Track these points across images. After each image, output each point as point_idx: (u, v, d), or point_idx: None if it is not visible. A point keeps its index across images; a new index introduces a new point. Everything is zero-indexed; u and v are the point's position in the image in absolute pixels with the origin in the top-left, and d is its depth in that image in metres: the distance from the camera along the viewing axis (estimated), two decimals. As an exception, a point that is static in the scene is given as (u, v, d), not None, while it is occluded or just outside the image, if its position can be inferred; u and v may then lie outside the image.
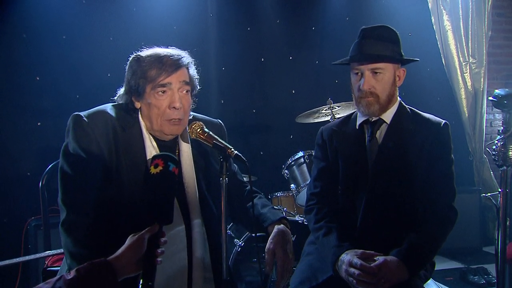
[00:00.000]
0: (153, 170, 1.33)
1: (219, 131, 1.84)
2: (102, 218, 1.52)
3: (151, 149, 1.63)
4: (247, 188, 1.92)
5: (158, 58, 1.61)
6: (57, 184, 1.53)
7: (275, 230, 1.70)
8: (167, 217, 1.33)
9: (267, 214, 1.77)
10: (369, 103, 1.87)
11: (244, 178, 2.01)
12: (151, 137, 1.66)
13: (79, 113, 1.59)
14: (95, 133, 1.56)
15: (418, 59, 1.95)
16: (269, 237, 1.71)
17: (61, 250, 2.20)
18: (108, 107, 1.67)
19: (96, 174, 1.54)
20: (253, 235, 1.92)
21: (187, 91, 1.66)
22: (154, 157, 1.36)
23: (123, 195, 1.56)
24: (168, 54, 1.63)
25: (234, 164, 1.93)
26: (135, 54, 1.67)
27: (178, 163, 1.40)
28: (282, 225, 1.73)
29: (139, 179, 1.55)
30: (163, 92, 1.60)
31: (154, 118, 1.63)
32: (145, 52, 1.65)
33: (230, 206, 1.80)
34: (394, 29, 1.92)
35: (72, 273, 1.19)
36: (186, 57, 1.67)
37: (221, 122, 1.91)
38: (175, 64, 1.61)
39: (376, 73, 1.85)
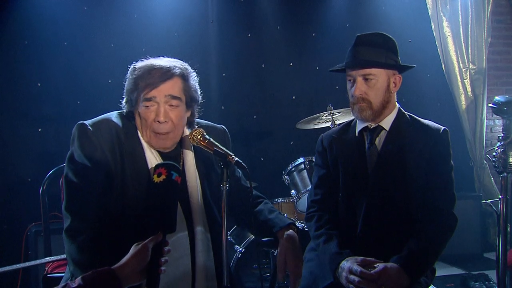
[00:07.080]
0: (156, 179, 1.33)
1: (223, 137, 1.84)
2: (106, 226, 1.53)
3: (152, 158, 1.63)
4: (252, 193, 1.91)
5: (147, 70, 1.60)
6: (57, 190, 1.54)
7: (284, 236, 1.71)
8: (170, 226, 1.34)
9: (275, 220, 1.78)
10: (361, 109, 1.87)
11: (244, 184, 2.01)
12: (151, 146, 1.65)
13: (84, 122, 1.59)
14: (99, 141, 1.56)
15: (414, 66, 1.93)
16: (277, 241, 1.72)
17: (62, 256, 2.21)
18: (113, 115, 1.67)
19: (101, 182, 1.54)
20: (261, 239, 1.92)
21: (175, 105, 1.61)
22: (157, 166, 1.36)
23: (127, 203, 1.56)
24: (158, 66, 1.60)
25: (239, 170, 1.92)
26: (134, 63, 1.66)
27: (180, 172, 1.40)
28: (291, 230, 1.73)
29: (142, 187, 1.56)
30: (148, 106, 1.59)
31: (143, 129, 1.63)
32: (142, 63, 1.64)
33: (235, 211, 1.81)
34: (390, 36, 1.90)
35: (77, 281, 1.20)
36: (178, 68, 1.62)
37: (225, 128, 1.90)
38: (162, 77, 1.58)
39: (367, 79, 1.85)
